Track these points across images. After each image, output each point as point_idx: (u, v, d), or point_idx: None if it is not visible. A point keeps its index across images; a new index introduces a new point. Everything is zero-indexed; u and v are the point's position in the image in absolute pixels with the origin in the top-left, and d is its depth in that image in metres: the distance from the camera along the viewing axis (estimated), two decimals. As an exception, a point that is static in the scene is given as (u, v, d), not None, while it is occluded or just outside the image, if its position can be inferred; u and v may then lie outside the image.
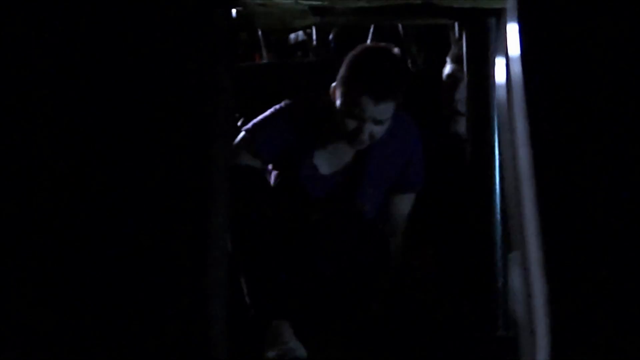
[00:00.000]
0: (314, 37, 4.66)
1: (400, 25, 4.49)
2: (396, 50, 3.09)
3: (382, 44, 3.14)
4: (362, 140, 3.01)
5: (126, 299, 0.71)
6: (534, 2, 0.68)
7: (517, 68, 0.66)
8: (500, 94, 0.70)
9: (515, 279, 2.85)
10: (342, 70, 3.02)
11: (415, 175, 3.21)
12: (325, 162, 3.17)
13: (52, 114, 0.71)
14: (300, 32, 4.88)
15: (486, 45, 2.80)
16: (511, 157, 0.69)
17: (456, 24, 4.29)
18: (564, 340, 0.63)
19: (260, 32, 4.73)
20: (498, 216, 2.82)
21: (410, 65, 4.48)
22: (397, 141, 3.18)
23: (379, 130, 3.01)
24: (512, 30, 0.68)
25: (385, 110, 2.97)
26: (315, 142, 3.15)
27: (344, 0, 2.75)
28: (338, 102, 3.02)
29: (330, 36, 4.68)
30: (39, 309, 0.71)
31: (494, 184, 2.82)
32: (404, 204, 3.22)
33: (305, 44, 4.89)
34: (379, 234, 3.14)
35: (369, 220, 3.15)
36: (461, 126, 3.40)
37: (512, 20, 0.67)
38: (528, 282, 0.68)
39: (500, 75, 0.70)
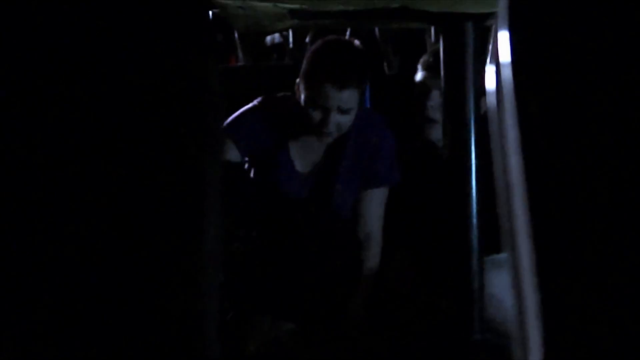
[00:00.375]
0: (291, 39, 4.67)
1: (377, 29, 4.51)
2: (357, 42, 3.16)
3: (343, 37, 3.22)
4: (329, 131, 3.04)
5: (120, 298, 0.71)
6: (525, 8, 0.68)
7: (507, 74, 0.67)
8: (491, 100, 0.71)
9: (491, 283, 2.87)
10: (304, 64, 3.08)
11: (384, 170, 3.23)
12: (299, 159, 3.18)
13: (42, 113, 0.71)
14: (277, 35, 4.88)
15: (463, 50, 2.81)
16: (502, 163, 0.70)
17: (432, 29, 4.30)
18: (557, 349, 0.63)
19: (236, 34, 4.73)
20: (475, 220, 2.83)
21: (386, 69, 4.49)
22: (366, 137, 3.20)
23: (344, 121, 3.05)
24: (503, 37, 0.68)
25: (349, 97, 3.03)
26: (288, 139, 3.17)
27: (323, 3, 2.75)
28: (302, 97, 3.06)
29: (307, 39, 4.69)
30: (31, 308, 0.71)
31: (471, 188, 2.83)
32: (373, 200, 3.22)
33: (281, 46, 4.89)
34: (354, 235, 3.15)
35: (346, 221, 3.16)
36: (435, 133, 3.41)
37: (502, 26, 0.68)
38: (520, 291, 0.68)
39: (490, 81, 0.70)
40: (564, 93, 0.68)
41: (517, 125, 0.68)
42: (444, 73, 2.87)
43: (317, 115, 3.04)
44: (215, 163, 0.71)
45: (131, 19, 0.72)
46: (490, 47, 0.73)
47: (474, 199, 2.82)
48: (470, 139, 2.80)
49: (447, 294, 2.89)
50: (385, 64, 4.53)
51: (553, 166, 0.67)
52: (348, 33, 4.30)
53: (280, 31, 4.47)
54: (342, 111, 3.05)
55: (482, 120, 2.82)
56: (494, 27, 0.72)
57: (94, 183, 0.72)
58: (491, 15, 2.84)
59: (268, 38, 5.23)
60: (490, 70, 0.73)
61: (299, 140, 3.17)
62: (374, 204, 3.21)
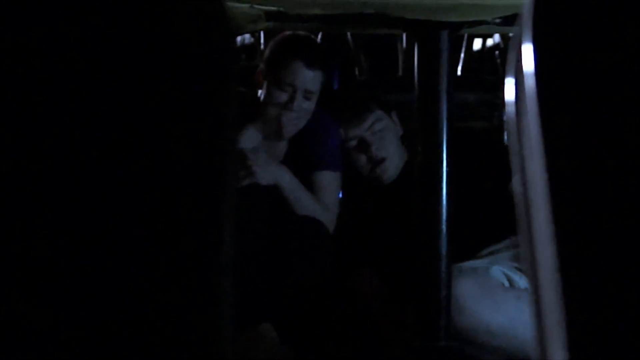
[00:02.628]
0: (262, 41, 4.66)
1: (349, 34, 4.52)
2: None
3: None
4: (293, 110, 3.05)
5: (137, 301, 0.71)
6: (549, 20, 0.69)
7: (531, 86, 0.67)
8: (510, 111, 0.71)
9: (459, 290, 2.89)
10: (268, 51, 3.14)
11: (327, 155, 3.24)
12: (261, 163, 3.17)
13: (74, 111, 0.71)
14: (247, 35, 4.88)
15: (437, 58, 2.82)
16: (521, 175, 0.70)
17: (404, 35, 4.32)
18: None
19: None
20: (444, 226, 2.84)
21: (357, 74, 4.50)
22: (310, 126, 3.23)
23: (306, 108, 3.07)
24: (527, 49, 0.68)
25: (315, 78, 3.07)
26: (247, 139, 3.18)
27: (300, 7, 2.75)
28: (265, 83, 3.10)
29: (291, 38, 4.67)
30: (44, 310, 0.70)
31: (441, 195, 2.84)
32: (322, 187, 3.23)
33: (252, 47, 4.89)
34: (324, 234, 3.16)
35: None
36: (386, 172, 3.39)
37: (526, 38, 0.68)
38: (540, 308, 0.68)
39: (509, 93, 0.71)
40: (590, 105, 0.69)
41: (541, 138, 0.68)
42: (418, 80, 2.88)
43: (282, 96, 3.08)
44: (232, 165, 0.71)
45: (150, 20, 0.71)
46: (508, 58, 0.73)
47: (444, 207, 2.83)
48: (442, 146, 2.82)
49: (414, 301, 2.90)
50: (356, 69, 4.54)
51: (577, 178, 0.67)
52: (320, 36, 4.31)
53: (251, 32, 4.47)
54: (307, 94, 3.09)
55: (454, 129, 2.84)
56: (513, 39, 0.73)
57: (113, 187, 0.72)
58: (466, 24, 2.85)
59: (238, 39, 5.22)
60: (509, 82, 0.73)
61: (257, 143, 3.18)
62: (323, 191, 3.22)
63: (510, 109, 0.73)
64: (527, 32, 0.70)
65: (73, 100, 0.71)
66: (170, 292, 0.70)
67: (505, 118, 3.80)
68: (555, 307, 0.67)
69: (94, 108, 0.71)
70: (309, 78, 3.08)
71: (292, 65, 3.06)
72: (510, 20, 2.77)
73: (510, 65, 0.72)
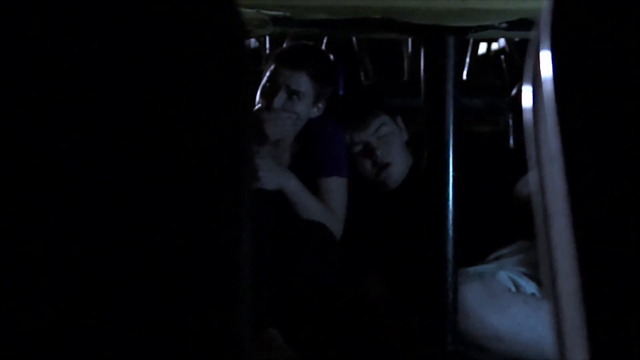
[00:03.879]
0: (267, 45, 4.67)
1: (354, 38, 4.51)
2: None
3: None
4: (273, 107, 3.08)
5: (157, 302, 0.71)
6: (568, 27, 0.69)
7: (549, 94, 0.67)
8: (528, 119, 0.71)
9: (465, 295, 2.89)
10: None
11: (333, 160, 3.25)
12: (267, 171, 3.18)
13: (89, 111, 0.71)
14: (253, 39, 4.89)
15: (444, 63, 2.82)
16: (540, 182, 0.70)
17: (409, 39, 4.32)
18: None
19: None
20: (450, 231, 2.84)
21: (362, 78, 4.50)
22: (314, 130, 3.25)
23: (294, 110, 3.10)
24: (545, 57, 0.68)
25: (300, 80, 3.09)
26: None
27: (306, 12, 2.75)
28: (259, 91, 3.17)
29: (284, 45, 4.69)
30: (68, 314, 0.71)
31: (448, 200, 2.84)
32: (328, 192, 3.24)
33: (257, 52, 4.89)
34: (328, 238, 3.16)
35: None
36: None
37: (545, 46, 0.68)
38: (559, 315, 0.68)
39: (527, 101, 0.70)
40: (610, 112, 0.69)
41: (560, 145, 0.68)
42: (425, 85, 2.88)
43: (266, 91, 3.14)
44: (249, 167, 0.71)
45: (164, 24, 0.72)
46: (525, 65, 0.73)
47: (451, 212, 2.83)
48: (448, 151, 2.82)
49: (421, 306, 2.90)
50: (362, 73, 4.54)
51: (598, 185, 0.67)
52: (325, 41, 4.31)
53: (257, 37, 4.48)
54: (291, 94, 3.12)
55: (461, 133, 2.84)
56: (530, 45, 0.73)
57: (135, 188, 0.72)
58: (473, 29, 2.85)
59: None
60: (526, 89, 0.73)
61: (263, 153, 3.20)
62: (329, 196, 3.23)
63: (527, 116, 0.73)
64: (545, 38, 0.69)
65: (90, 103, 0.71)
66: (190, 292, 0.70)
67: (510, 122, 3.80)
68: (576, 315, 0.67)
69: (115, 111, 0.71)
70: (291, 77, 3.11)
71: (276, 66, 3.14)
72: (516, 25, 2.77)
73: (528, 72, 0.72)
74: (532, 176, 0.72)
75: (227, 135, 0.68)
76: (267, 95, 3.14)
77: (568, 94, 0.67)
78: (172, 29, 0.70)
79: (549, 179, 0.69)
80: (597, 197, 0.65)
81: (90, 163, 0.68)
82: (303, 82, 3.13)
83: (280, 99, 3.12)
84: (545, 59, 0.68)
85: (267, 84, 3.16)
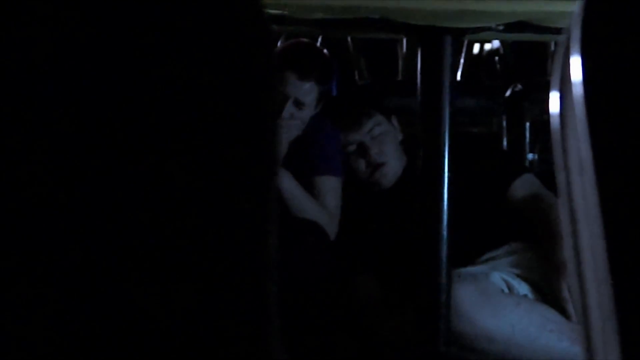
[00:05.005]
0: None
1: (349, 38, 4.51)
2: (325, 50, 3.28)
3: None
4: (282, 118, 3.08)
5: (187, 301, 0.71)
6: (599, 33, 0.68)
7: (579, 101, 0.67)
8: (555, 124, 0.71)
9: (458, 296, 2.88)
10: None
11: (327, 160, 3.25)
12: None
13: (119, 111, 0.71)
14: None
15: (441, 64, 2.82)
16: (566, 193, 0.70)
17: (404, 39, 4.32)
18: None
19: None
20: (444, 232, 2.84)
21: (357, 78, 4.50)
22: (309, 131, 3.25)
23: (297, 117, 3.09)
24: (575, 62, 0.68)
25: (308, 90, 3.09)
26: None
27: (303, 11, 2.75)
28: None
29: (280, 44, 4.69)
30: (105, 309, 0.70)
31: (442, 201, 2.84)
32: (317, 187, 3.24)
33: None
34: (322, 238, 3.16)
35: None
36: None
37: (575, 52, 0.68)
38: (589, 328, 0.68)
39: (554, 106, 0.70)
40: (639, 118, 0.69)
41: (590, 152, 0.68)
42: (421, 86, 2.88)
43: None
44: (274, 165, 0.71)
45: (189, 21, 0.71)
46: (553, 70, 0.73)
47: (445, 212, 2.83)
48: (443, 151, 2.82)
49: (414, 307, 2.90)
50: (356, 73, 4.54)
51: (629, 193, 0.67)
52: (320, 40, 4.31)
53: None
54: (298, 104, 3.11)
55: (457, 133, 2.84)
56: (558, 51, 0.73)
57: (166, 187, 0.71)
58: (469, 30, 2.86)
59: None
60: (553, 95, 0.73)
61: None
62: (324, 195, 3.23)
63: (554, 122, 0.73)
64: (575, 43, 0.69)
65: (114, 101, 0.71)
66: (220, 291, 0.70)
67: (504, 124, 3.82)
68: (607, 324, 0.66)
69: (139, 109, 0.71)
70: (300, 89, 3.11)
71: (285, 76, 3.11)
72: (513, 27, 2.77)
73: (555, 77, 0.72)
74: (559, 182, 0.72)
75: (256, 136, 0.68)
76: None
77: (599, 99, 0.67)
78: (202, 33, 0.70)
79: (577, 186, 0.69)
80: (629, 205, 0.65)
81: (124, 166, 0.68)
82: (310, 92, 3.14)
83: (288, 110, 3.13)
84: (575, 64, 0.68)
85: (277, 91, 3.15)
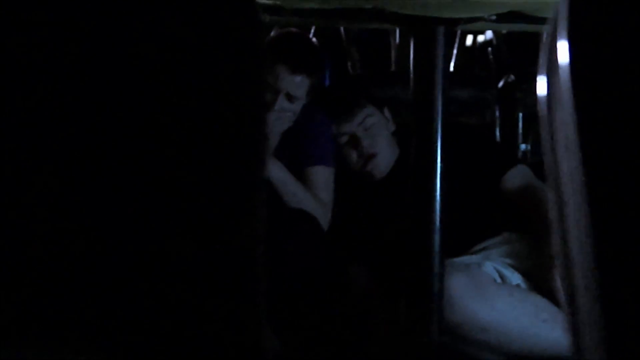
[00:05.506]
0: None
1: (342, 28, 4.51)
2: (314, 39, 3.27)
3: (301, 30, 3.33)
4: (274, 110, 3.08)
5: (178, 293, 0.71)
6: (586, 17, 0.69)
7: (566, 86, 0.67)
8: (543, 109, 0.71)
9: (451, 285, 2.89)
10: None
11: (319, 151, 3.26)
12: None
13: (107, 111, 0.71)
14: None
15: (434, 54, 2.82)
16: (553, 177, 0.70)
17: (397, 30, 4.32)
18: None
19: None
20: (437, 222, 2.84)
21: (350, 69, 4.50)
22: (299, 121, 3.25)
23: (289, 109, 3.09)
24: (562, 47, 0.69)
25: (300, 84, 3.09)
26: None
27: (296, 1, 2.75)
28: None
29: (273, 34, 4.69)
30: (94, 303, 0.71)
31: (435, 190, 2.84)
32: (309, 178, 3.24)
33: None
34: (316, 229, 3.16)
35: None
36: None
37: (562, 36, 0.68)
38: (575, 310, 0.68)
39: (541, 91, 0.71)
40: (628, 102, 0.69)
41: (576, 136, 0.68)
42: (414, 76, 2.88)
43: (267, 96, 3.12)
44: (263, 165, 0.72)
45: (181, 20, 0.72)
46: (540, 56, 0.73)
47: (438, 203, 2.83)
48: (436, 142, 2.82)
49: (406, 297, 2.91)
50: (349, 64, 4.54)
51: (615, 176, 0.67)
52: (312, 31, 4.31)
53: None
54: (290, 97, 3.12)
55: (449, 124, 2.84)
56: (545, 37, 0.73)
57: (159, 181, 0.72)
58: (462, 20, 2.86)
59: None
60: (541, 80, 0.73)
61: None
62: (316, 186, 3.23)
63: (542, 107, 0.73)
64: (562, 28, 0.70)
65: (96, 99, 0.71)
66: (206, 288, 0.70)
67: (497, 115, 3.82)
68: (592, 307, 0.67)
69: (122, 107, 0.71)
70: (292, 83, 3.12)
71: (276, 70, 3.10)
72: (505, 17, 2.77)
73: (542, 62, 0.73)
74: (546, 163, 0.73)
75: (244, 129, 0.68)
76: (267, 96, 3.14)
77: (585, 83, 0.67)
78: (192, 23, 0.70)
79: (564, 166, 0.69)
80: (615, 185, 0.66)
81: (111, 162, 0.69)
82: (303, 86, 3.15)
83: (280, 103, 3.13)
84: (562, 48, 0.68)
85: (267, 84, 3.14)
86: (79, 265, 0.70)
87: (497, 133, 4.03)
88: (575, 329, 0.71)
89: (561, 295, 0.73)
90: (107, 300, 0.70)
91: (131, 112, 0.71)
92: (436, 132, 2.81)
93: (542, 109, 0.73)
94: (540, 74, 0.73)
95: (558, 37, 0.70)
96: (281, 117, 3.14)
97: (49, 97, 0.71)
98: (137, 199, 0.71)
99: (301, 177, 3.21)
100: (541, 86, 0.73)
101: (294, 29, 3.32)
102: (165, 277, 0.71)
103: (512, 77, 4.22)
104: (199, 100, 0.71)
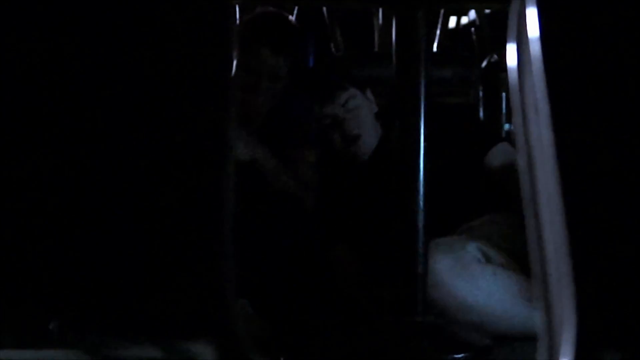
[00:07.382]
0: (237, 15, 4.65)
1: (325, 9, 4.51)
2: (291, 17, 3.27)
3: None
4: (257, 99, 3.08)
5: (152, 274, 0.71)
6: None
7: (536, 51, 0.67)
8: (512, 77, 0.71)
9: (435, 265, 2.89)
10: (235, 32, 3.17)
11: (302, 132, 3.27)
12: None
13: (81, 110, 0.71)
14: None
15: (416, 34, 2.82)
16: (524, 138, 0.70)
17: (380, 11, 4.32)
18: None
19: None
20: (421, 202, 2.85)
21: (333, 50, 4.49)
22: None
23: (272, 91, 3.10)
24: (531, 14, 0.69)
25: (281, 65, 3.10)
26: None
27: (278, -18, 2.75)
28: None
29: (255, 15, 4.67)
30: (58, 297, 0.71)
31: (418, 170, 2.84)
32: (292, 159, 3.25)
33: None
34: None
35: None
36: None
37: (530, 3, 0.68)
38: (548, 294, 0.68)
39: (511, 58, 0.70)
40: (595, 68, 0.69)
41: (547, 102, 0.68)
42: (396, 57, 2.87)
43: (247, 81, 3.12)
44: (230, 143, 0.72)
45: (152, 14, 0.71)
46: (509, 24, 0.73)
47: (421, 183, 2.84)
48: (419, 122, 2.82)
49: (391, 277, 2.91)
50: (332, 45, 4.53)
51: (586, 143, 0.68)
52: (295, 12, 4.30)
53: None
54: (271, 78, 3.12)
55: (432, 104, 2.84)
56: (513, 4, 0.73)
57: (140, 166, 0.72)
58: (444, 1, 2.86)
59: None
60: (511, 48, 0.73)
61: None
62: (298, 167, 3.25)
63: (512, 75, 0.73)
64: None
65: (75, 101, 0.71)
66: (176, 268, 0.71)
67: (480, 94, 3.82)
68: (565, 293, 0.67)
69: (102, 106, 0.71)
70: (275, 64, 3.12)
71: (256, 51, 3.11)
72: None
73: (512, 30, 0.73)
74: (516, 127, 0.73)
75: (211, 119, 0.68)
76: (250, 78, 3.13)
77: (555, 51, 0.67)
78: (157, 15, 0.70)
79: (534, 130, 0.69)
80: (583, 145, 0.66)
81: (86, 154, 0.68)
82: (284, 66, 3.15)
83: (263, 84, 3.14)
84: (531, 16, 0.68)
85: (249, 67, 3.13)
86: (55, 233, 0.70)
87: (481, 113, 4.03)
88: (545, 298, 0.71)
89: (533, 271, 0.73)
90: (81, 274, 0.70)
91: (98, 87, 0.71)
92: (419, 112, 2.81)
93: (513, 79, 0.73)
94: (510, 40, 0.73)
95: (527, 5, 0.70)
96: (265, 98, 3.14)
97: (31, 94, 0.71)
98: (109, 174, 0.71)
99: (283, 158, 3.22)
100: (511, 51, 0.73)
101: (271, 9, 3.31)
102: (134, 254, 0.71)
103: (495, 57, 4.22)
104: (164, 77, 0.71)
